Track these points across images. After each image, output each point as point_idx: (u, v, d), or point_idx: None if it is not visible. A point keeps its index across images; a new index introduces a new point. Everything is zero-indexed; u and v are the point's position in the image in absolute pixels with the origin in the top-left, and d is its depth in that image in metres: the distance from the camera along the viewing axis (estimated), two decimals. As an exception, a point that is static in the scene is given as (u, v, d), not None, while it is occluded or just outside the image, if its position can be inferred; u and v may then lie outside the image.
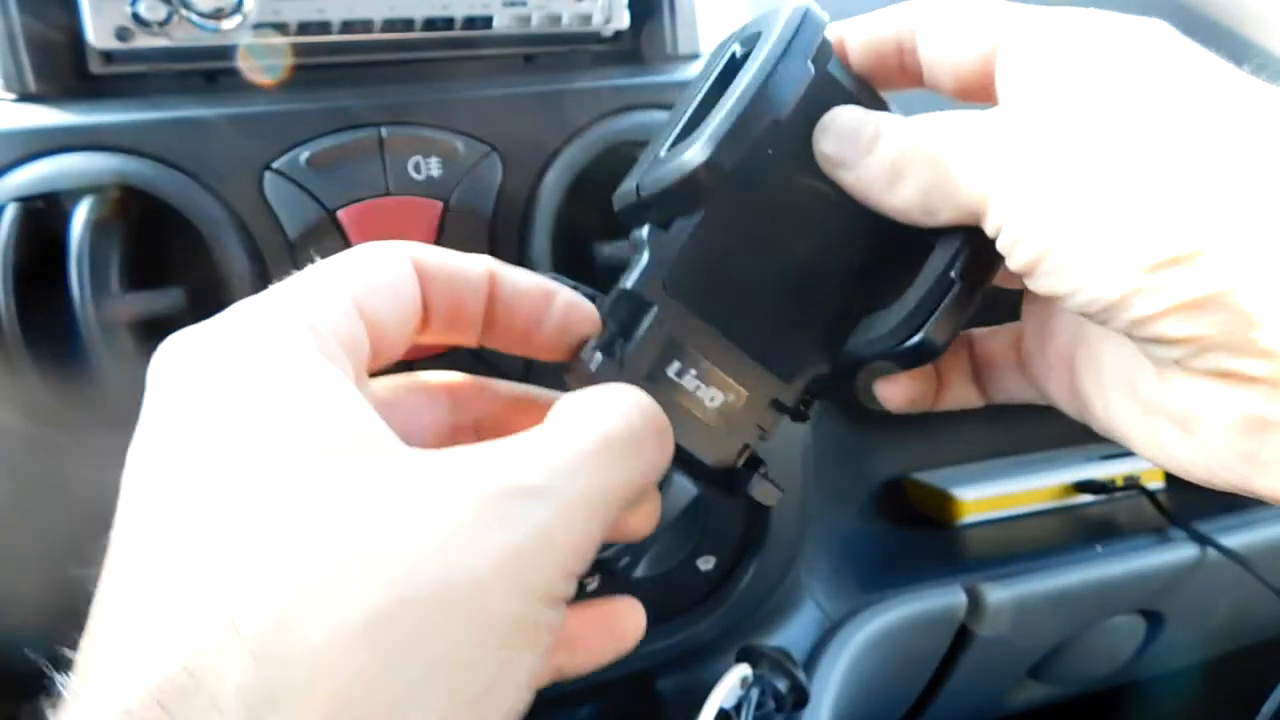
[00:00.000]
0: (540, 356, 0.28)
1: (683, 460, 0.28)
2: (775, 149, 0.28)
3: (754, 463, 0.30)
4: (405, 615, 0.18)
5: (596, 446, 0.21)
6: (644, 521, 0.27)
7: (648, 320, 0.28)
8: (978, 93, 0.27)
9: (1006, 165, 0.24)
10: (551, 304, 0.27)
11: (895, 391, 0.31)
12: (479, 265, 0.26)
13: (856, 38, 0.30)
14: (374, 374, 0.25)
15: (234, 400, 0.20)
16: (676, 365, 0.28)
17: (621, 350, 0.28)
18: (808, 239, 0.30)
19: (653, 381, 0.28)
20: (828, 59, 0.29)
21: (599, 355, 0.27)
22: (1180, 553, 0.64)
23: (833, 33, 0.30)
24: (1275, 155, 0.22)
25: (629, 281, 0.28)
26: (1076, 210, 0.23)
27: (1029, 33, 0.25)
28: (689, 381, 0.29)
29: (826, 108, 0.29)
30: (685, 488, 0.43)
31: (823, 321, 0.30)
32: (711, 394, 0.29)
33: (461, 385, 0.28)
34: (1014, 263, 0.24)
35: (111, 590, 0.20)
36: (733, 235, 0.29)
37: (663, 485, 0.37)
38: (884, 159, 0.27)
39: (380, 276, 0.24)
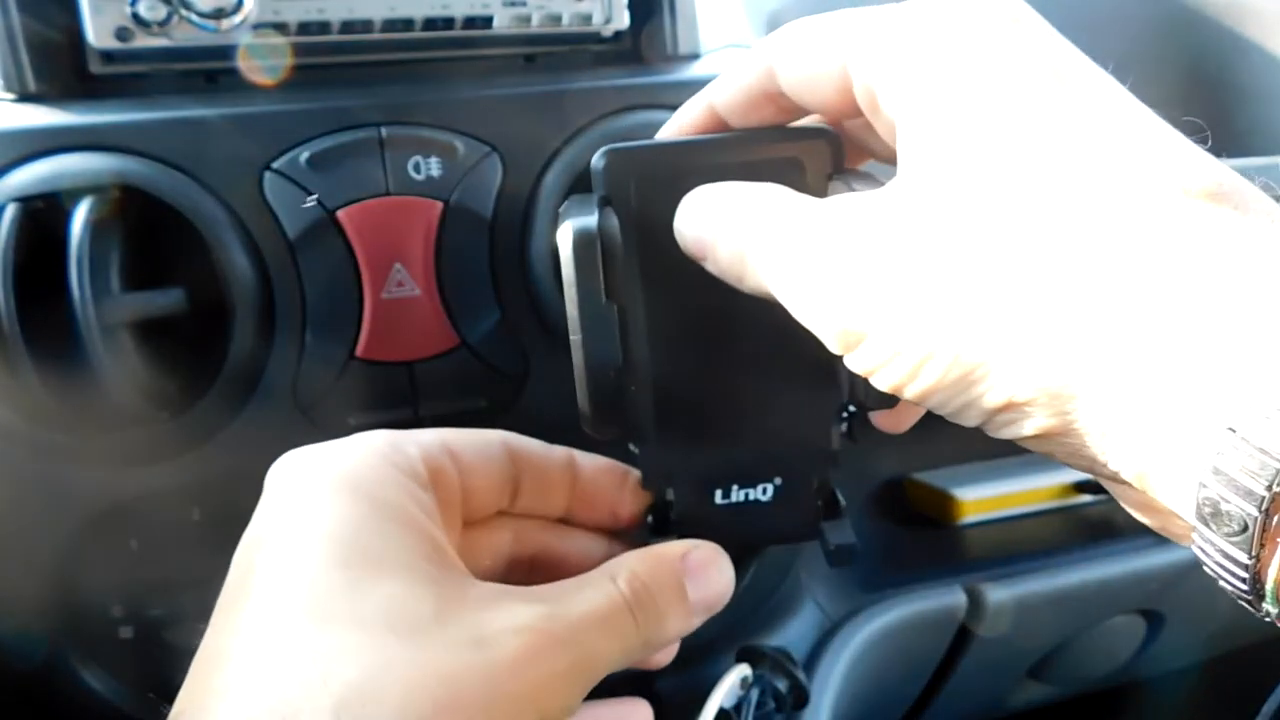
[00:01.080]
0: (620, 527, 0.32)
1: (767, 543, 0.30)
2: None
3: (832, 508, 0.32)
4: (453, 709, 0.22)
5: (601, 613, 0.25)
6: (663, 658, 0.31)
7: (673, 485, 0.31)
8: (853, 114, 0.26)
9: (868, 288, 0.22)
10: (625, 484, 0.31)
11: (892, 421, 0.32)
12: (559, 452, 0.31)
13: (722, 98, 0.29)
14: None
15: (329, 514, 0.24)
16: (719, 493, 0.31)
17: (673, 515, 0.31)
18: (740, 320, 0.29)
19: (706, 516, 0.31)
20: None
21: (650, 520, 0.31)
22: (1180, 553, 0.64)
23: (698, 102, 0.29)
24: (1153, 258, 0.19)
25: (641, 466, 0.31)
26: (945, 341, 0.20)
27: (878, 61, 0.23)
28: (736, 495, 0.31)
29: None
30: None
31: (809, 367, 0.30)
32: (762, 489, 0.31)
33: (525, 524, 0.31)
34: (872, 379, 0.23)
35: (218, 646, 0.23)
36: (683, 366, 0.30)
37: None
38: (728, 252, 0.25)
39: (475, 438, 0.29)
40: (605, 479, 0.31)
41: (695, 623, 0.28)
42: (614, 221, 0.28)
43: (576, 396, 0.28)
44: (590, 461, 0.31)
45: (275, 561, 0.24)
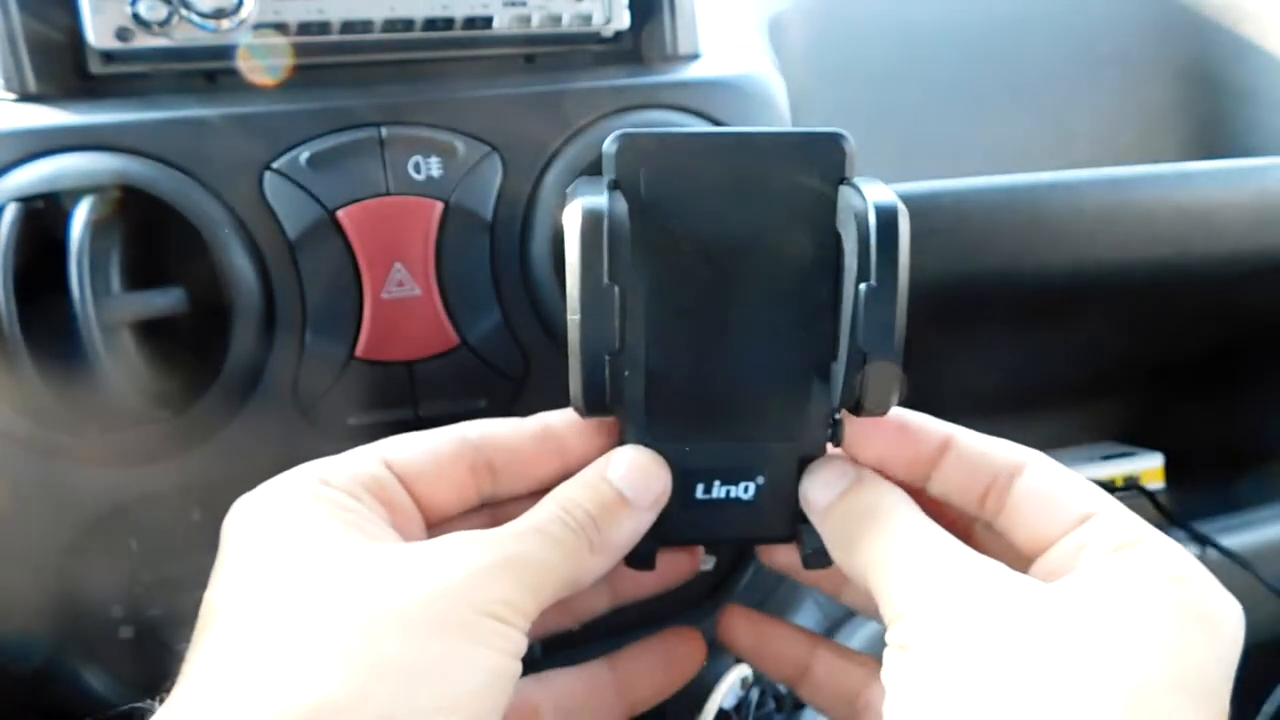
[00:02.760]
0: None
1: (744, 543, 0.31)
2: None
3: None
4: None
5: (532, 523, 0.28)
6: (591, 603, 0.34)
7: None
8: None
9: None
10: (605, 435, 0.31)
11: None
12: (530, 425, 0.31)
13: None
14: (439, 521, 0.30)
15: (271, 553, 0.26)
16: (700, 488, 0.31)
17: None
18: (738, 318, 0.30)
19: (689, 510, 0.31)
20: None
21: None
22: (1180, 553, 0.64)
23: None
24: None
25: (625, 433, 0.31)
26: None
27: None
28: (717, 491, 0.31)
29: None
30: None
31: (803, 369, 0.30)
32: (744, 487, 0.31)
33: (507, 507, 0.32)
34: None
35: (199, 671, 0.25)
36: (677, 357, 0.30)
37: None
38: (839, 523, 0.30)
39: (421, 442, 0.30)
40: (587, 434, 0.31)
41: (645, 517, 0.30)
42: (622, 205, 0.28)
43: (569, 377, 0.28)
44: (566, 421, 0.31)
45: (239, 606, 0.25)
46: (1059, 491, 0.28)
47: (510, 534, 0.27)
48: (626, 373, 0.30)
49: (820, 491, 0.30)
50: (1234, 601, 0.25)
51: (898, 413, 0.30)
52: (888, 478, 0.30)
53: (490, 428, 0.31)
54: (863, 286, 0.27)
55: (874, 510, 0.29)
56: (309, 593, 0.24)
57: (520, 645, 0.25)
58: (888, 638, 0.26)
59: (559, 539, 0.27)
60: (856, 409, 0.29)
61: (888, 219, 0.27)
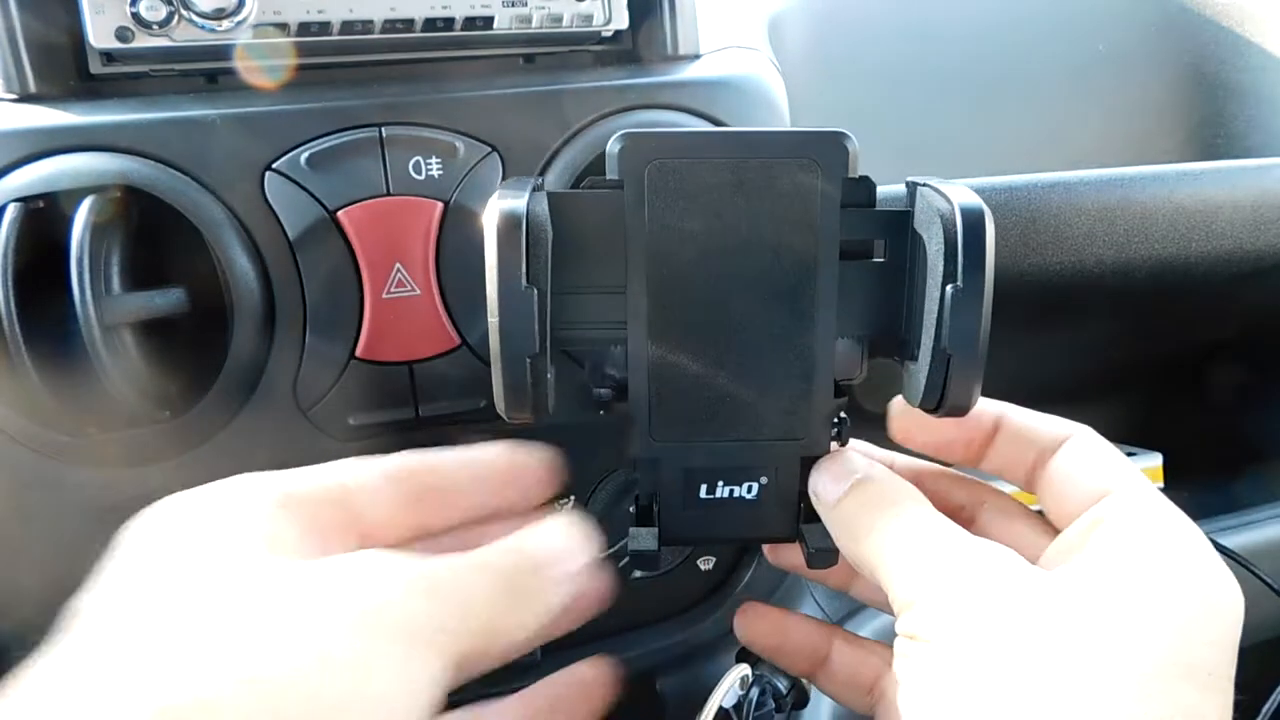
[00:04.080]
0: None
1: (747, 543, 0.31)
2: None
3: (814, 513, 0.32)
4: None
5: (467, 561, 0.25)
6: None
7: (660, 475, 0.31)
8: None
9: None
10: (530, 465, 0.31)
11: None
12: (457, 455, 0.30)
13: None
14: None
15: (165, 560, 0.25)
16: (704, 488, 0.31)
17: (657, 505, 0.31)
18: (742, 317, 0.30)
19: (692, 510, 0.31)
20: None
21: (633, 509, 0.32)
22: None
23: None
24: None
25: (631, 453, 0.31)
26: None
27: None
28: (721, 491, 0.31)
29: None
30: None
31: (806, 369, 0.30)
32: (747, 487, 0.31)
33: (439, 541, 0.30)
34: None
35: (55, 666, 0.23)
36: (680, 356, 0.30)
37: None
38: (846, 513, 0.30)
39: (360, 466, 0.28)
40: (517, 464, 0.30)
41: (567, 587, 0.27)
42: (542, 207, 0.28)
43: (491, 379, 0.28)
44: (496, 452, 0.30)
45: (114, 608, 0.24)
46: (1084, 467, 0.29)
47: (441, 563, 0.25)
48: (628, 372, 0.30)
49: (828, 486, 0.30)
50: (1235, 583, 0.26)
51: None
52: (944, 463, 0.31)
53: (426, 457, 0.29)
54: (949, 288, 0.27)
55: (880, 502, 0.29)
56: (185, 599, 0.23)
57: (434, 677, 0.23)
58: (897, 627, 0.27)
59: (485, 583, 0.26)
60: (936, 408, 0.29)
61: (975, 222, 0.27)
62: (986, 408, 0.32)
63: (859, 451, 0.32)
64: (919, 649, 0.25)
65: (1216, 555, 0.26)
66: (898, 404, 0.32)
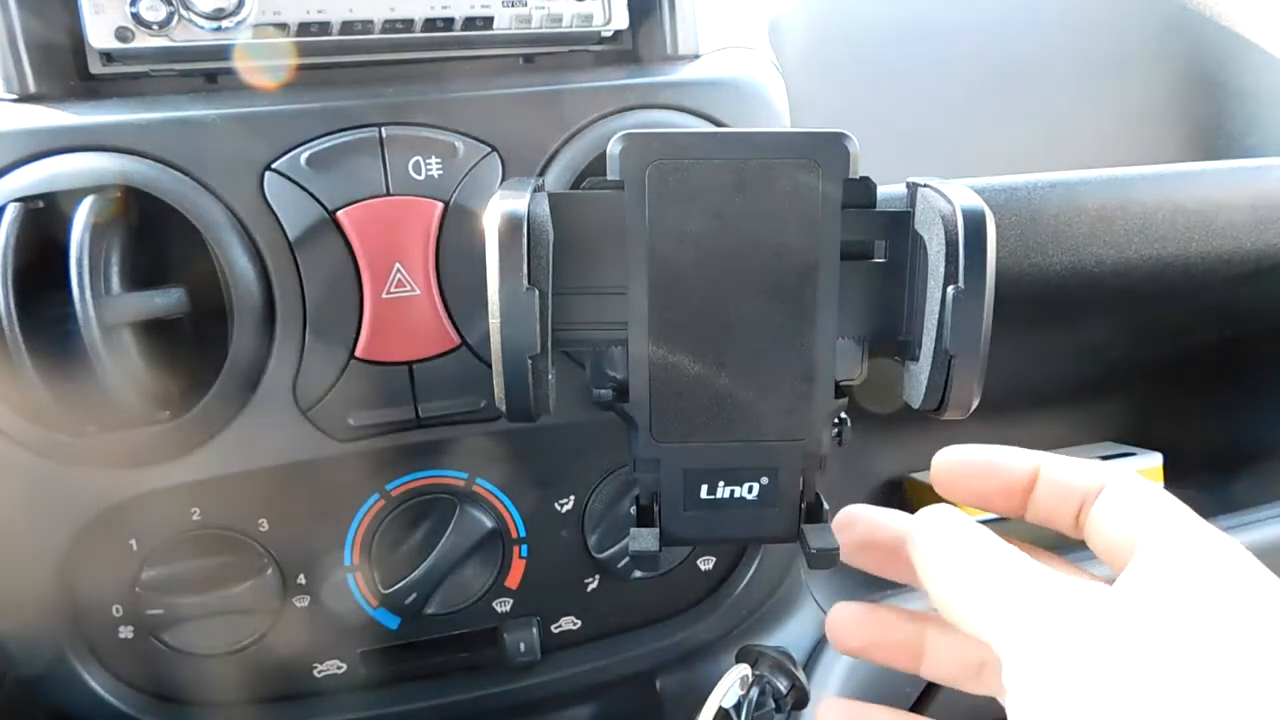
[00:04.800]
0: None
1: (749, 543, 0.31)
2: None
3: (815, 511, 0.32)
4: None
5: None
6: None
7: (661, 475, 0.31)
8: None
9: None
10: None
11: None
12: None
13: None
14: None
15: None
16: (704, 488, 0.31)
17: (658, 506, 0.31)
18: (742, 318, 0.30)
19: (693, 510, 0.31)
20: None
21: (634, 510, 0.32)
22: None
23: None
24: None
25: (632, 454, 0.31)
26: None
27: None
28: (721, 492, 0.31)
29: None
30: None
31: (806, 370, 0.30)
32: (748, 487, 0.31)
33: None
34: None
35: None
36: (681, 357, 0.30)
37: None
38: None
39: None
40: None
41: None
42: (544, 208, 0.28)
43: (491, 379, 0.28)
44: None
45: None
46: (1129, 512, 0.29)
47: None
48: (629, 373, 0.30)
49: (929, 540, 0.30)
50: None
51: (987, 450, 0.31)
52: (986, 510, 0.31)
53: None
54: (950, 289, 0.27)
55: (968, 554, 0.28)
56: None
57: None
58: (1005, 680, 0.26)
59: None
60: (938, 409, 0.29)
61: (976, 222, 0.27)
62: (1022, 459, 0.31)
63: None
64: (1028, 697, 0.25)
65: (1264, 569, 0.26)
66: (942, 460, 0.32)
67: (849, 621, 0.35)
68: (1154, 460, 0.76)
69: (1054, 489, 0.31)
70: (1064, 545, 0.32)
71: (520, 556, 0.46)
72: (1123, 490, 0.29)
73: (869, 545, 0.34)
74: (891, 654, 0.34)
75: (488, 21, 0.41)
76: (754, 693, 0.43)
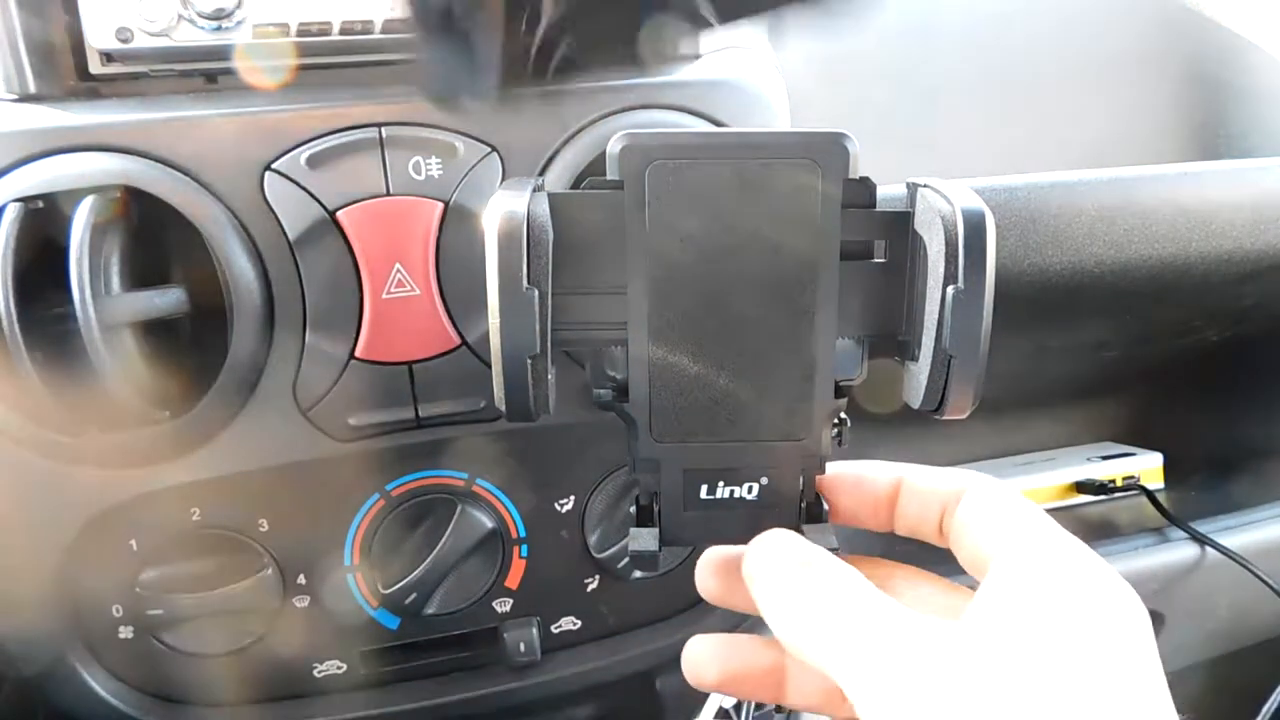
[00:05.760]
0: None
1: (745, 544, 0.30)
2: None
3: (815, 511, 0.32)
4: None
5: None
6: None
7: (660, 475, 0.31)
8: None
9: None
10: None
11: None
12: None
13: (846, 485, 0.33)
14: None
15: None
16: (704, 488, 0.31)
17: (658, 506, 0.31)
18: (741, 318, 0.30)
19: (693, 510, 0.31)
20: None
21: (633, 510, 0.32)
22: (1180, 553, 0.64)
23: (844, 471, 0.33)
24: None
25: (632, 454, 0.31)
26: None
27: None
28: (721, 492, 0.31)
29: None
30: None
31: (806, 370, 0.30)
32: (748, 487, 0.31)
33: None
34: None
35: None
36: (680, 357, 0.30)
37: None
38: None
39: None
40: None
41: None
42: (544, 208, 0.28)
43: (491, 379, 0.28)
44: None
45: None
46: (983, 517, 0.28)
47: None
48: (629, 373, 0.30)
49: (763, 570, 0.29)
50: (1132, 590, 0.26)
51: (852, 466, 0.32)
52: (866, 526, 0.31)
53: None
54: (950, 290, 0.27)
55: (820, 589, 0.27)
56: None
57: None
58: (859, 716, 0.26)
59: None
60: (938, 410, 0.29)
61: (976, 223, 0.27)
62: (884, 471, 0.31)
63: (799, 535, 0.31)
64: None
65: (1113, 571, 0.26)
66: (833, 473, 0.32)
67: (702, 655, 0.33)
68: (1154, 460, 0.76)
69: (916, 498, 0.31)
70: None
71: (520, 556, 0.46)
72: (978, 498, 0.29)
73: (718, 569, 0.33)
74: (751, 686, 0.33)
75: (488, 21, 0.41)
76: (754, 693, 0.43)
